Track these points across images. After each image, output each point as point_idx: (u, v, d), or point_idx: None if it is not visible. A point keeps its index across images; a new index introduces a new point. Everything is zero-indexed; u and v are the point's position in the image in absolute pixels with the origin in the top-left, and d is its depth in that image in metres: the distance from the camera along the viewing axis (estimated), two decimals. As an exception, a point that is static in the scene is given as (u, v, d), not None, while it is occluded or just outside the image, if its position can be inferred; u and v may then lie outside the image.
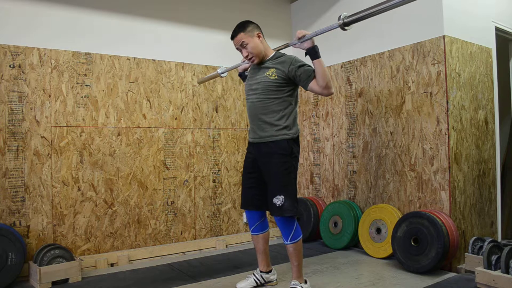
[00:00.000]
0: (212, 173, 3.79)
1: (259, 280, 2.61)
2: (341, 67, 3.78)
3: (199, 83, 3.50)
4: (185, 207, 3.62)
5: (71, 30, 3.14)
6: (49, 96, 3.04)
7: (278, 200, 2.33)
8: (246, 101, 2.55)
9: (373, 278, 2.76)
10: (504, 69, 3.96)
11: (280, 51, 2.56)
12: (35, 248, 2.92)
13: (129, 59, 3.39)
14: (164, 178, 3.51)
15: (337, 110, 3.83)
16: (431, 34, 3.02)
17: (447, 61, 2.95)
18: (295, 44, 2.32)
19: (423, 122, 3.08)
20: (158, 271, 3.05)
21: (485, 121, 3.29)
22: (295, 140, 2.44)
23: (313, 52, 2.25)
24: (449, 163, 2.92)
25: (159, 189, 3.49)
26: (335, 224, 3.61)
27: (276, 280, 2.69)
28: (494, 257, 2.50)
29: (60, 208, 3.05)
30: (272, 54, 2.49)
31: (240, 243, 3.84)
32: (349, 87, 3.71)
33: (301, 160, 4.25)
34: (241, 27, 2.44)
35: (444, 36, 2.95)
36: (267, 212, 2.56)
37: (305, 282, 2.48)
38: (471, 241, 2.85)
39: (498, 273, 2.42)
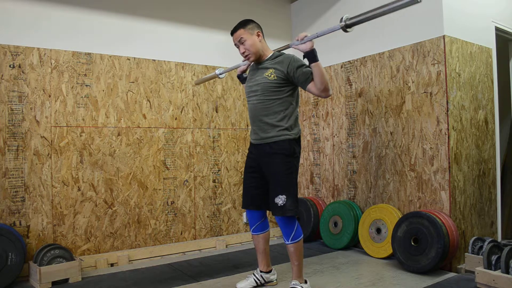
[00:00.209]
0: (212, 173, 3.79)
1: (259, 280, 2.62)
2: (341, 67, 3.79)
3: (196, 84, 3.49)
4: (185, 207, 3.62)
5: (71, 30, 3.14)
6: (49, 96, 3.04)
7: (280, 199, 2.33)
8: (247, 103, 2.55)
9: (373, 278, 2.76)
10: (504, 69, 3.96)
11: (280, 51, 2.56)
12: (35, 248, 2.92)
13: (129, 59, 3.39)
14: (164, 178, 3.51)
15: (337, 110, 3.83)
16: (431, 34, 3.02)
17: (447, 61, 2.95)
18: (295, 45, 2.32)
19: (423, 122, 3.08)
20: (158, 271, 3.05)
21: (485, 121, 3.29)
22: (297, 141, 2.44)
23: (311, 56, 2.24)
24: (449, 163, 2.92)
25: (159, 189, 3.49)
26: (335, 224, 3.61)
27: (276, 280, 2.69)
28: (494, 257, 2.50)
29: (60, 208, 3.05)
30: (270, 54, 2.49)
31: (240, 243, 3.84)
32: (349, 87, 3.71)
33: (301, 160, 4.24)
34: (242, 23, 2.46)
35: (444, 36, 2.95)
36: (268, 212, 2.56)
37: (305, 282, 2.48)
38: (471, 241, 2.84)
39: (498, 273, 2.42)
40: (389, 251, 3.14)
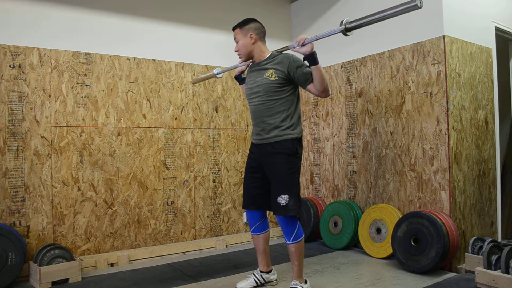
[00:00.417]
0: (212, 173, 3.79)
1: (259, 280, 2.62)
2: (341, 67, 3.79)
3: (194, 83, 3.50)
4: (185, 207, 3.62)
5: (71, 30, 3.14)
6: (49, 96, 3.04)
7: (283, 199, 2.33)
8: (249, 104, 2.56)
9: (373, 278, 2.76)
10: (504, 69, 3.96)
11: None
12: (35, 248, 2.92)
13: (129, 59, 3.39)
14: (164, 178, 3.51)
15: (337, 110, 3.83)
16: (431, 34, 3.02)
17: (447, 61, 2.95)
18: (294, 47, 2.31)
19: (423, 122, 3.08)
20: (158, 271, 3.05)
21: (485, 121, 3.29)
22: (299, 140, 2.45)
23: (311, 58, 2.24)
24: (449, 163, 2.92)
25: (159, 189, 3.49)
26: (335, 224, 3.61)
27: (276, 280, 2.69)
28: (494, 257, 2.50)
29: (60, 208, 3.05)
30: (268, 54, 2.49)
31: (240, 243, 3.84)
32: (349, 87, 3.71)
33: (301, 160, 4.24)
34: (241, 22, 2.50)
35: (444, 36, 2.95)
36: (267, 212, 2.56)
37: (305, 282, 2.48)
38: (471, 241, 2.84)
39: (498, 273, 2.42)
40: (389, 251, 3.14)
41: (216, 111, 3.85)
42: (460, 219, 2.98)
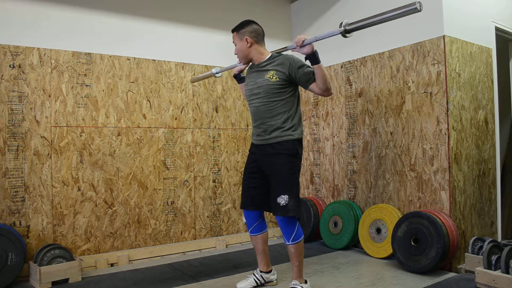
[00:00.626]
0: (212, 173, 3.79)
1: (259, 280, 2.62)
2: (341, 67, 3.79)
3: (192, 81, 3.49)
4: (185, 207, 3.62)
5: (71, 30, 3.14)
6: (49, 96, 3.04)
7: (282, 199, 2.33)
8: (249, 105, 2.55)
9: (373, 278, 2.76)
10: (504, 69, 3.96)
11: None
12: (35, 248, 2.92)
13: (129, 59, 3.39)
14: (164, 178, 3.51)
15: (337, 110, 3.83)
16: (431, 34, 3.02)
17: (447, 61, 2.95)
18: (294, 48, 2.30)
19: (423, 122, 3.08)
20: (158, 271, 3.05)
21: (485, 121, 3.29)
22: (300, 141, 2.45)
23: (313, 58, 2.25)
24: (449, 163, 2.92)
25: (159, 189, 3.49)
26: (335, 224, 3.61)
27: (276, 280, 2.69)
28: (494, 257, 2.50)
29: (60, 208, 3.05)
30: (268, 56, 2.48)
31: (240, 243, 3.84)
32: (349, 87, 3.71)
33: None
34: (238, 26, 2.49)
35: (444, 36, 2.95)
36: (266, 213, 2.56)
37: (305, 282, 2.48)
38: (471, 241, 2.84)
39: (498, 273, 2.42)
40: (389, 251, 3.14)
41: (216, 111, 3.85)
42: (460, 219, 2.98)
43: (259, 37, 2.49)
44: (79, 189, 3.12)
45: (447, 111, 2.93)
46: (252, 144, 2.58)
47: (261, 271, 2.64)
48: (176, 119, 3.60)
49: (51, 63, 3.05)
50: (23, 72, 2.93)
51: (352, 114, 3.67)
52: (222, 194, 3.84)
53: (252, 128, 2.61)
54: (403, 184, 3.22)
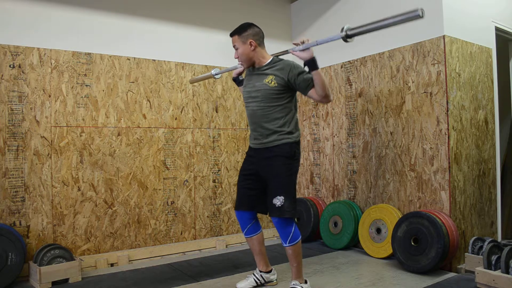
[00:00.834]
0: (212, 173, 3.79)
1: (259, 280, 2.62)
2: (341, 67, 3.79)
3: (191, 82, 3.48)
4: (185, 207, 3.62)
5: (71, 30, 3.14)
6: (49, 96, 3.04)
7: (278, 200, 2.33)
8: (246, 107, 2.55)
9: (373, 278, 2.76)
10: (504, 69, 3.96)
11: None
12: (35, 248, 2.92)
13: (129, 59, 3.39)
14: (164, 178, 3.51)
15: (337, 110, 3.83)
16: (431, 34, 3.02)
17: (447, 61, 2.95)
18: (294, 51, 2.29)
19: (423, 122, 3.08)
20: (158, 271, 3.05)
21: (485, 121, 3.29)
22: (297, 143, 2.46)
23: (312, 63, 2.24)
24: (449, 163, 2.92)
25: (159, 189, 3.49)
26: (335, 224, 3.61)
27: (276, 280, 2.69)
28: (494, 257, 2.50)
29: (60, 208, 3.05)
30: (269, 59, 2.47)
31: (240, 243, 3.83)
32: (349, 87, 3.71)
33: (301, 160, 4.24)
34: (239, 29, 2.45)
35: (444, 36, 2.95)
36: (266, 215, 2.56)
37: (305, 282, 2.48)
38: (471, 241, 2.85)
39: (498, 273, 2.42)
40: (389, 251, 3.14)
41: (216, 111, 3.85)
42: (460, 219, 2.98)
43: (261, 40, 2.48)
44: (79, 189, 3.12)
45: (447, 111, 2.93)
46: (250, 147, 2.59)
47: (260, 271, 2.64)
48: (176, 119, 3.60)
49: (51, 63, 3.05)
50: (23, 72, 2.93)
51: (352, 114, 3.67)
52: (222, 194, 3.84)
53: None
54: (403, 184, 3.22)
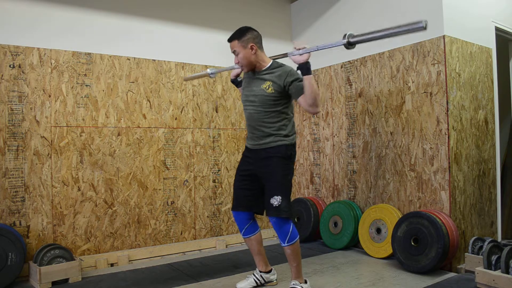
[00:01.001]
0: (212, 173, 3.79)
1: (259, 280, 2.62)
2: (341, 67, 3.79)
3: (185, 80, 3.47)
4: (185, 207, 3.62)
5: (71, 30, 3.14)
6: (49, 96, 3.04)
7: (275, 200, 2.34)
8: (244, 109, 2.56)
9: (373, 278, 2.76)
10: (504, 69, 3.96)
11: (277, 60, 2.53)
12: (35, 248, 2.92)
13: (129, 59, 3.39)
14: (164, 178, 3.51)
15: (337, 110, 3.83)
16: (431, 34, 3.02)
17: (447, 61, 2.95)
18: (293, 55, 2.26)
19: (423, 122, 3.08)
20: (158, 271, 3.05)
21: (485, 121, 3.29)
22: (293, 145, 2.48)
23: (305, 68, 2.23)
24: (449, 163, 2.92)
25: (159, 189, 3.49)
26: (335, 224, 3.61)
27: (276, 280, 2.69)
28: (494, 257, 2.50)
29: (60, 208, 3.05)
30: (269, 64, 2.47)
31: (240, 243, 3.83)
32: (349, 87, 3.71)
33: (301, 160, 4.25)
34: (238, 34, 2.43)
35: (444, 36, 2.95)
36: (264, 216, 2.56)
37: (305, 282, 2.48)
38: (471, 241, 2.85)
39: (498, 273, 2.42)
40: (389, 251, 3.14)
41: (216, 111, 3.85)
42: (460, 219, 2.98)
43: (260, 43, 2.48)
44: (79, 189, 3.12)
45: (447, 111, 2.93)
46: (246, 147, 2.60)
47: (260, 271, 2.64)
48: (176, 119, 3.60)
49: (51, 63, 3.05)
50: (23, 72, 2.93)
51: (352, 114, 3.67)
52: (222, 194, 3.84)
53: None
54: (403, 184, 3.22)
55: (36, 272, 2.65)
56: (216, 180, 3.81)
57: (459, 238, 2.92)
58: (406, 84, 3.20)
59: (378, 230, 3.27)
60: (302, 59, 2.22)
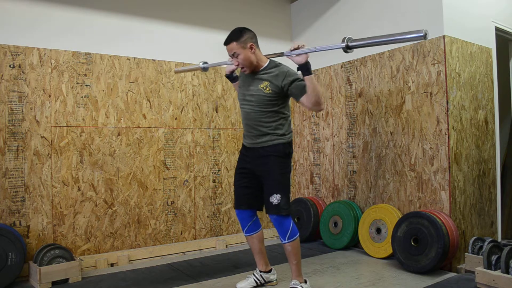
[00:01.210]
0: (212, 173, 3.79)
1: (259, 280, 2.62)
2: (341, 67, 3.78)
3: (176, 72, 3.43)
4: (185, 207, 3.62)
5: (71, 30, 3.14)
6: (49, 96, 3.04)
7: (275, 198, 2.36)
8: (240, 108, 2.56)
9: (373, 278, 2.76)
10: (504, 69, 3.96)
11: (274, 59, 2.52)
12: (35, 248, 2.92)
13: (129, 59, 3.39)
14: (164, 178, 3.51)
15: (337, 110, 3.83)
16: (431, 34, 3.01)
17: (447, 61, 2.95)
18: (289, 55, 2.26)
19: (423, 122, 3.08)
20: (158, 271, 3.05)
21: (485, 121, 3.29)
22: (290, 144, 2.50)
23: (305, 68, 2.22)
24: (449, 163, 2.92)
25: (159, 189, 3.49)
26: (335, 224, 3.61)
27: (276, 280, 2.69)
28: (494, 257, 2.50)
29: (60, 208, 3.05)
30: (266, 63, 2.46)
31: (240, 243, 3.83)
32: (349, 87, 3.71)
33: (301, 160, 4.25)
34: (235, 35, 2.38)
35: (444, 36, 2.95)
36: (263, 213, 2.57)
37: (305, 282, 2.48)
38: (471, 241, 2.85)
39: (498, 273, 2.42)
40: (389, 251, 3.14)
41: (216, 111, 3.85)
42: (460, 219, 2.98)
43: (257, 42, 2.47)
44: (79, 189, 3.12)
45: (447, 111, 2.93)
46: (243, 145, 2.61)
47: (260, 271, 2.64)
48: (176, 119, 3.60)
49: (51, 63, 3.05)
50: (23, 72, 2.93)
51: (352, 114, 3.67)
52: (222, 194, 3.84)
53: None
54: (403, 184, 3.22)
55: (36, 272, 2.65)
56: (216, 180, 3.81)
57: (459, 238, 2.92)
58: (406, 84, 3.20)
59: (378, 230, 3.27)
60: (301, 59, 2.21)
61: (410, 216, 2.92)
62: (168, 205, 3.53)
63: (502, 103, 3.78)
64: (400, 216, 3.09)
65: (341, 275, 2.85)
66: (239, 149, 3.93)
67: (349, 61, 3.71)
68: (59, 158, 3.05)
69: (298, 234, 2.45)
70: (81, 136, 3.15)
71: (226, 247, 3.74)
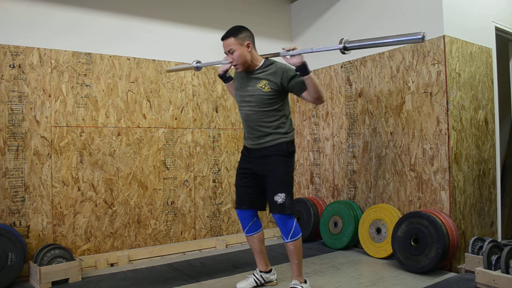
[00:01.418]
0: (212, 173, 3.79)
1: (259, 280, 2.62)
2: (341, 67, 3.79)
3: (168, 71, 3.41)
4: (185, 207, 3.62)
5: (71, 30, 3.14)
6: (49, 96, 3.04)
7: (279, 197, 2.36)
8: (239, 110, 2.55)
9: (373, 278, 2.76)
10: (504, 69, 3.96)
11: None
12: (35, 248, 2.92)
13: (129, 59, 3.39)
14: (164, 178, 3.51)
15: (337, 110, 3.83)
16: (431, 34, 3.02)
17: (447, 61, 2.95)
18: (284, 56, 2.26)
19: (423, 122, 3.08)
20: (158, 271, 3.05)
21: (485, 121, 3.29)
22: (292, 142, 2.50)
23: (302, 69, 2.23)
24: (449, 163, 2.92)
25: (159, 189, 3.49)
26: (335, 224, 3.61)
27: (276, 280, 2.69)
28: (494, 257, 2.50)
29: (60, 208, 3.05)
30: (261, 62, 2.46)
31: (240, 243, 3.83)
32: (349, 87, 3.71)
33: (301, 160, 4.25)
34: (234, 32, 2.38)
35: (444, 36, 2.95)
36: (266, 213, 2.57)
37: (305, 282, 2.48)
38: (471, 241, 2.85)
39: (498, 273, 2.42)
40: (389, 251, 3.14)
41: (216, 111, 3.85)
42: (460, 219, 2.98)
43: (254, 43, 2.47)
44: (79, 189, 3.12)
45: (447, 111, 2.93)
46: (245, 146, 2.60)
47: (260, 271, 2.64)
48: (176, 119, 3.60)
49: (51, 63, 3.05)
50: (23, 72, 2.93)
51: (352, 114, 3.67)
52: (222, 194, 3.84)
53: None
54: (403, 184, 3.22)
55: (36, 272, 2.65)
56: (216, 180, 3.81)
57: (459, 238, 2.92)
58: (406, 84, 3.20)
59: (378, 230, 3.27)
60: (297, 60, 2.21)
61: (410, 216, 2.92)
62: (168, 205, 3.53)
63: (502, 103, 3.78)
64: (400, 216, 3.09)
65: (341, 275, 2.85)
66: (239, 149, 3.94)
67: (349, 61, 3.71)
68: (59, 158, 3.05)
69: (301, 233, 2.46)
70: (81, 136, 3.15)
71: (226, 247, 3.74)
